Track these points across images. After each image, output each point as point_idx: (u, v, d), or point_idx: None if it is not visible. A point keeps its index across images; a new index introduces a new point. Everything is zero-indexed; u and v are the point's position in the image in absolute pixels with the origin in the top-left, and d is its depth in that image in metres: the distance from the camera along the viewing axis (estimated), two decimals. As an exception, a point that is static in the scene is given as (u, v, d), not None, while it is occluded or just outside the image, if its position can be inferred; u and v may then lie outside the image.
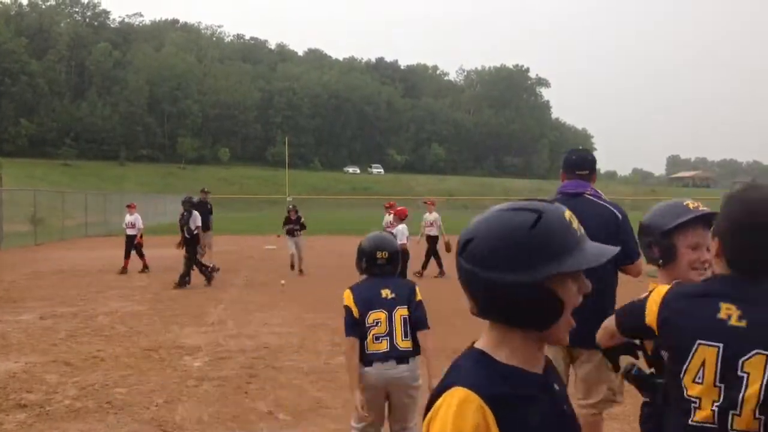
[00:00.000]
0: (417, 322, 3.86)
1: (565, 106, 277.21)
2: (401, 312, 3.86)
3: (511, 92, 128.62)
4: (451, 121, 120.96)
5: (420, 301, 3.95)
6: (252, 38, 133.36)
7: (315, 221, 29.23)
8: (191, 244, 14.37)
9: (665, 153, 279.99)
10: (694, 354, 2.00)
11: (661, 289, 2.16)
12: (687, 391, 2.01)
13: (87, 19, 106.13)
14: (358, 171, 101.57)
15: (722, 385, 1.96)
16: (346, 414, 5.68)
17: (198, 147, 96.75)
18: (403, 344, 3.81)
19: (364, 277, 4.04)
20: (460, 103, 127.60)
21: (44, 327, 9.64)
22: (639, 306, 2.20)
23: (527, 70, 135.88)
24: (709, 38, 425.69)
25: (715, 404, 1.96)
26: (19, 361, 7.55)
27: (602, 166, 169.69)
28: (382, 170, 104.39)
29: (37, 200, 28.05)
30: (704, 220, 2.44)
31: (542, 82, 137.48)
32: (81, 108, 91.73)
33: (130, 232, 16.94)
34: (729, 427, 1.94)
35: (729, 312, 1.98)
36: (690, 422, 2.00)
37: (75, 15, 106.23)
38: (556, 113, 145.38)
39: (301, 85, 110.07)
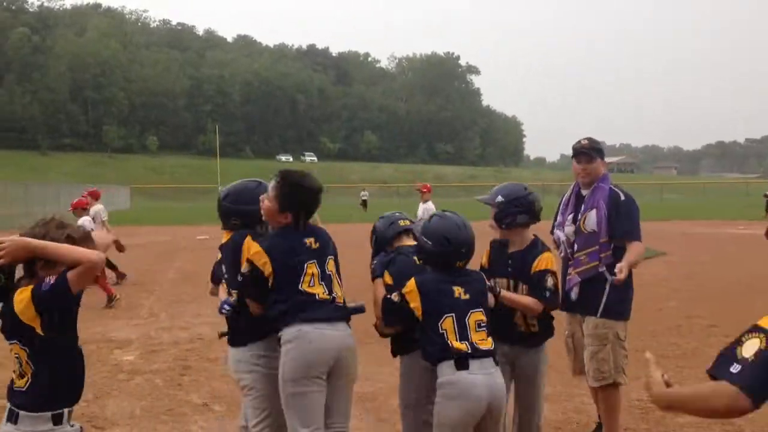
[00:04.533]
0: None
1: (495, 93, 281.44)
2: None
3: (442, 80, 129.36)
4: (383, 108, 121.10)
5: None
6: (179, 24, 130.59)
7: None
8: None
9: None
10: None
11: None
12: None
13: (4, 3, 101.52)
14: (291, 159, 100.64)
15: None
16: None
17: (125, 135, 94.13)
18: None
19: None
20: (393, 91, 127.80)
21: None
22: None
23: (458, 57, 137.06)
24: (630, 23, 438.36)
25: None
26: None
27: (531, 152, 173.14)
28: (315, 158, 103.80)
29: (-46, 192, 26.79)
30: None
31: (472, 70, 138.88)
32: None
33: None
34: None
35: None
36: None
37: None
38: (486, 100, 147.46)
39: (230, 72, 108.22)
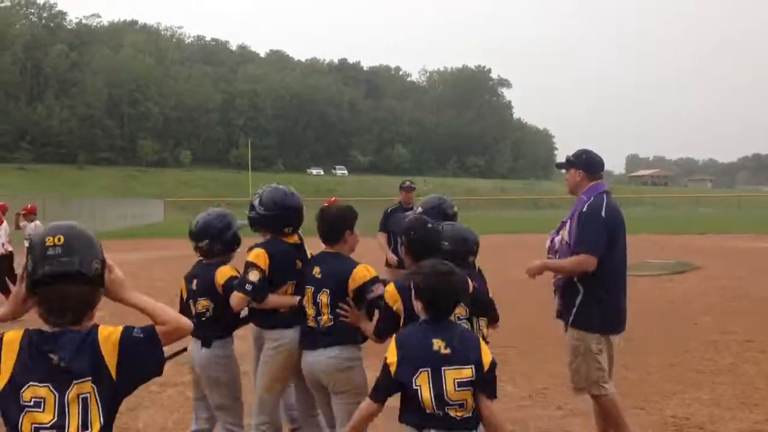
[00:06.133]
0: None
1: (527, 106, 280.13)
2: None
3: (473, 93, 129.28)
4: (414, 122, 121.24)
5: None
6: (213, 39, 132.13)
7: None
8: None
9: (624, 152, 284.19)
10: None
11: None
12: None
13: (43, 21, 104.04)
14: (322, 172, 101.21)
15: None
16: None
17: (159, 149, 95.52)
18: None
19: None
20: (423, 104, 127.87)
21: (2, 335, 9.41)
22: None
23: (489, 70, 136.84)
24: (663, 38, 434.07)
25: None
26: (-24, 371, 7.36)
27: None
28: (346, 171, 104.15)
29: (-7, 205, 27.27)
30: None
31: (504, 83, 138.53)
32: (37, 111, 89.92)
33: None
34: None
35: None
36: None
37: (31, 16, 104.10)
38: (517, 113, 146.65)
39: (263, 87, 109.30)
